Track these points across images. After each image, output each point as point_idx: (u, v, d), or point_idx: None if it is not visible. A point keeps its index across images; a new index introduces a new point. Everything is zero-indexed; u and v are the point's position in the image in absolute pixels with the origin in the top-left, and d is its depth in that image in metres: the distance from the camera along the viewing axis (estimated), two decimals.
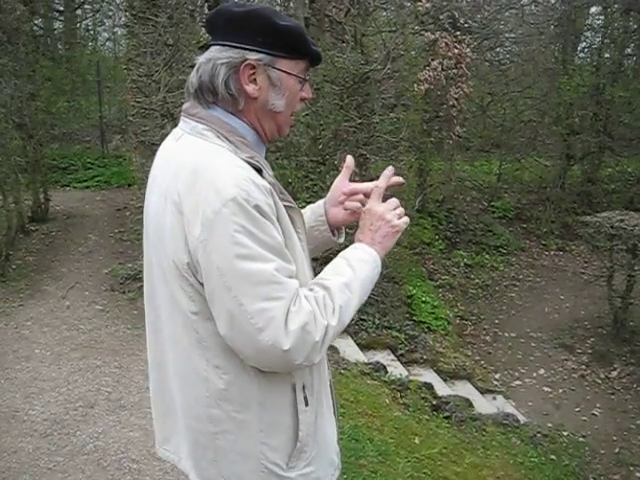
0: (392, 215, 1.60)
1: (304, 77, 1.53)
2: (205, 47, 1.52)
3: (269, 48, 1.45)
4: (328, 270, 1.51)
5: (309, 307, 1.37)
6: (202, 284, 1.39)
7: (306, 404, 1.50)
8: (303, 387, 1.50)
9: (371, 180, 1.76)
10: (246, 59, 1.44)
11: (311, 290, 1.43)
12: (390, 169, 1.69)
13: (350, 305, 1.46)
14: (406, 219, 1.62)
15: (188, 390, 1.51)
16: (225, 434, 1.48)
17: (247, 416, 1.46)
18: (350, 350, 5.86)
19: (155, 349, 1.63)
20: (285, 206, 1.46)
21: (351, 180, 1.79)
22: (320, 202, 1.83)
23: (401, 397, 5.13)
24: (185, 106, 1.54)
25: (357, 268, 1.51)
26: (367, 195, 1.70)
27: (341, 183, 1.78)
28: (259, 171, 1.42)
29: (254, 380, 1.44)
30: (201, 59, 1.50)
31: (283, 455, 1.50)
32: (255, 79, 1.46)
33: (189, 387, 1.50)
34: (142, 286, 1.69)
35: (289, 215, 1.48)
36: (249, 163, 1.41)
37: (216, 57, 1.46)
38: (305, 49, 1.50)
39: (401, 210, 1.63)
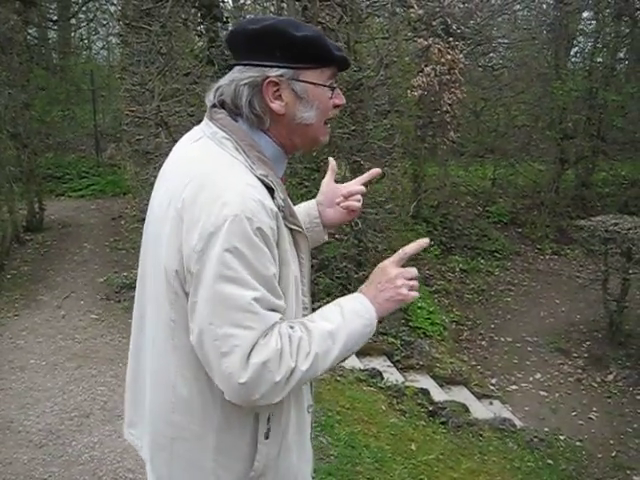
0: (402, 282, 1.52)
1: (332, 84, 1.48)
2: (230, 67, 1.49)
3: (290, 62, 1.41)
4: (318, 313, 1.46)
5: (278, 344, 1.31)
6: (187, 294, 1.36)
7: (266, 437, 1.44)
8: (268, 419, 1.44)
9: (365, 185, 1.78)
10: (267, 77, 1.40)
11: (291, 328, 1.36)
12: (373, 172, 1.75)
13: (329, 355, 1.38)
14: (416, 294, 1.54)
15: (157, 391, 1.50)
16: (182, 441, 1.46)
17: (204, 432, 1.44)
18: None
19: (136, 340, 1.63)
20: (292, 229, 1.44)
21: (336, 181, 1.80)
22: (311, 204, 1.81)
23: (397, 403, 5.12)
24: (211, 110, 1.50)
25: (348, 319, 1.43)
26: (363, 195, 1.74)
27: (332, 185, 1.79)
28: (271, 190, 1.38)
29: (217, 400, 1.40)
30: (222, 81, 1.47)
31: (234, 478, 1.46)
32: (280, 95, 1.42)
33: (158, 388, 1.49)
34: None
35: (294, 239, 1.45)
36: (262, 181, 1.37)
37: (238, 78, 1.43)
38: (328, 56, 1.45)
39: (415, 284, 1.55)
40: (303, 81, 1.43)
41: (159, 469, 1.54)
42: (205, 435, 1.44)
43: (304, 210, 1.78)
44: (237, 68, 1.45)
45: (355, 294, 1.52)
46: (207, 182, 1.34)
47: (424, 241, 1.62)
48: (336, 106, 1.51)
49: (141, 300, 1.59)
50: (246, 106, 1.42)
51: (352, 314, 1.45)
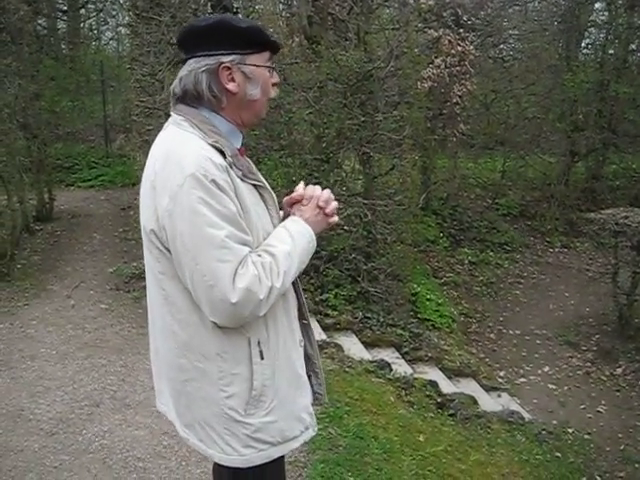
0: (330, 209, 1.85)
1: (271, 65, 1.78)
2: (182, 63, 1.77)
3: (237, 48, 1.70)
4: (272, 237, 1.73)
5: (255, 271, 1.60)
6: (167, 249, 1.65)
7: (261, 357, 1.72)
8: (258, 342, 1.72)
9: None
10: (221, 62, 1.69)
11: (259, 256, 1.65)
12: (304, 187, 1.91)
13: (291, 271, 1.70)
14: (336, 218, 1.88)
15: (164, 343, 1.79)
16: (191, 381, 1.74)
17: (207, 365, 1.71)
18: (355, 348, 5.86)
19: (149, 312, 1.88)
20: (254, 185, 1.74)
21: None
22: None
23: (406, 395, 5.13)
24: (171, 101, 1.81)
25: (297, 239, 1.74)
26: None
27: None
28: (222, 153, 1.65)
29: (212, 333, 1.68)
30: (181, 73, 1.74)
31: (241, 402, 1.72)
32: (233, 77, 1.71)
33: (165, 340, 1.78)
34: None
35: (260, 194, 1.76)
36: (214, 147, 1.65)
37: (195, 67, 1.70)
38: (267, 41, 1.74)
39: (334, 207, 1.87)
40: (249, 64, 1.72)
41: (184, 417, 1.80)
42: (208, 370, 1.71)
43: None
44: (192, 60, 1.72)
45: (294, 217, 1.82)
46: (169, 154, 1.65)
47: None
48: (274, 84, 1.81)
49: (146, 271, 1.85)
50: (206, 90, 1.71)
51: (298, 235, 1.76)
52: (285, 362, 1.79)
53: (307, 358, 1.95)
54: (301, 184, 1.92)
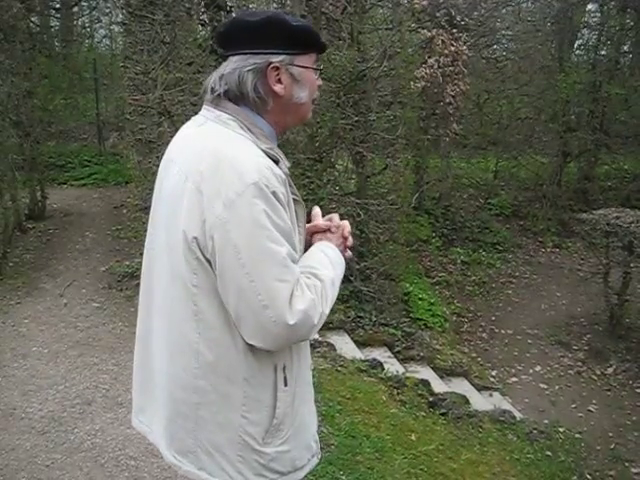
0: (350, 242, 1.79)
1: (318, 67, 1.68)
2: (223, 59, 1.64)
3: (288, 48, 1.58)
4: (314, 262, 1.64)
5: (311, 295, 1.51)
6: (208, 260, 1.51)
7: (285, 384, 1.62)
8: (284, 368, 1.62)
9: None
10: (270, 62, 1.57)
11: (309, 279, 1.56)
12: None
13: (334, 298, 1.62)
14: (349, 253, 1.80)
15: (177, 360, 1.61)
16: (209, 405, 1.60)
17: (232, 389, 1.58)
18: (347, 347, 5.88)
19: (144, 321, 1.75)
20: (293, 199, 1.59)
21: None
22: None
23: (398, 394, 5.14)
24: (208, 97, 1.64)
25: (337, 268, 1.68)
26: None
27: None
28: (276, 162, 1.55)
29: (242, 356, 1.56)
30: (223, 70, 1.61)
31: (260, 430, 1.61)
32: (280, 79, 1.59)
33: (178, 358, 1.61)
34: (139, 284, 1.76)
35: (295, 209, 1.62)
36: (267, 154, 1.54)
37: (241, 66, 1.58)
38: (316, 43, 1.65)
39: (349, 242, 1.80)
40: (298, 65, 1.61)
41: (182, 442, 1.65)
42: (232, 394, 1.58)
43: None
44: (236, 58, 1.59)
45: (329, 244, 1.74)
46: (222, 156, 1.50)
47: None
48: (318, 87, 1.70)
49: (149, 285, 1.71)
50: (252, 90, 1.58)
51: (337, 263, 1.69)
52: (303, 388, 1.71)
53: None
54: (336, 216, 1.84)
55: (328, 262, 1.66)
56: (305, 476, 1.78)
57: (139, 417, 1.82)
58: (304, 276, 1.55)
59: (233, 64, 1.59)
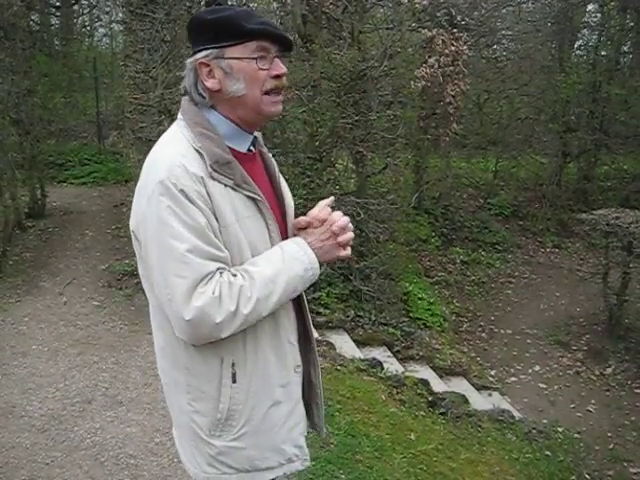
0: (344, 238, 1.66)
1: (257, 56, 1.58)
2: None
3: (212, 43, 1.58)
4: (261, 257, 1.59)
5: (216, 292, 1.48)
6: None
7: (233, 381, 1.61)
8: (232, 364, 1.60)
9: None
10: (196, 59, 1.60)
11: (234, 276, 1.52)
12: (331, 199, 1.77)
13: (270, 299, 1.54)
14: (349, 252, 1.70)
15: (154, 344, 1.75)
16: (167, 386, 1.72)
17: (177, 375, 1.66)
18: (346, 346, 5.88)
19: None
20: (249, 197, 1.59)
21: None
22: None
23: (397, 393, 5.15)
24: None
25: (289, 264, 1.58)
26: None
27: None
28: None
29: (182, 345, 1.60)
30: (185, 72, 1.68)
31: (207, 421, 1.64)
32: (213, 74, 1.60)
33: (155, 341, 1.74)
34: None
35: (258, 207, 1.61)
36: (199, 152, 1.55)
37: (187, 68, 1.64)
38: (242, 31, 1.56)
39: (349, 238, 1.68)
40: (228, 58, 1.58)
41: (173, 415, 1.77)
42: (178, 380, 1.65)
43: None
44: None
45: (297, 238, 1.66)
46: (150, 158, 1.60)
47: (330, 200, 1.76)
48: (275, 76, 1.61)
49: None
50: (193, 88, 1.64)
51: (292, 259, 1.59)
52: (265, 389, 1.65)
53: (310, 386, 1.82)
54: (321, 202, 1.74)
55: (278, 258, 1.58)
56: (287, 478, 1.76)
57: None
58: (228, 273, 1.52)
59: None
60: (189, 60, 1.62)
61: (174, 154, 1.54)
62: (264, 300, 1.53)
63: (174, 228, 1.47)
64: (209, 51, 1.58)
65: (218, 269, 1.51)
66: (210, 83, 1.59)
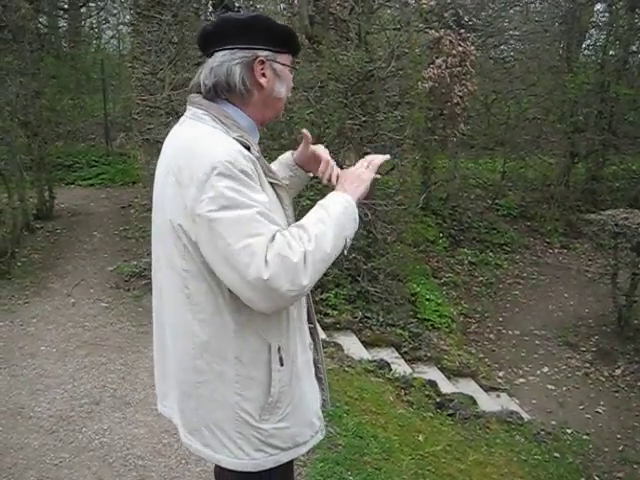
0: (361, 171, 1.85)
1: (295, 67, 1.84)
2: (208, 56, 1.75)
3: (271, 46, 1.72)
4: (304, 218, 1.67)
5: (285, 239, 1.54)
6: (194, 244, 1.60)
7: (281, 364, 1.70)
8: (279, 348, 1.69)
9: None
10: (257, 56, 1.70)
11: (292, 229, 1.62)
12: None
13: (327, 234, 1.61)
14: (371, 173, 1.86)
15: (178, 343, 1.74)
16: (206, 384, 1.70)
17: (225, 368, 1.68)
18: (354, 347, 5.87)
19: (157, 310, 1.86)
20: (272, 183, 1.70)
21: None
22: (285, 155, 2.11)
23: (405, 394, 5.14)
24: (189, 97, 1.79)
25: (330, 207, 1.68)
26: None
27: (307, 150, 2.03)
28: (248, 148, 1.63)
29: (231, 336, 1.65)
30: (212, 63, 1.72)
31: (256, 407, 1.70)
32: (264, 73, 1.72)
33: (179, 340, 1.73)
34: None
35: (277, 193, 1.71)
36: (238, 141, 1.62)
37: (229, 59, 1.70)
38: (296, 45, 1.80)
39: (370, 162, 1.89)
40: (279, 62, 1.75)
41: (190, 422, 1.77)
42: (225, 372, 1.68)
43: (280, 164, 2.09)
44: (224, 52, 1.71)
45: (333, 193, 1.79)
46: (195, 147, 1.61)
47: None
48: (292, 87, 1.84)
49: (157, 277, 1.83)
50: (239, 82, 1.70)
51: (331, 202, 1.71)
52: (301, 367, 1.78)
53: (314, 362, 1.93)
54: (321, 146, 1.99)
55: (318, 207, 1.69)
56: (307, 452, 1.89)
57: (163, 402, 1.92)
58: (284, 230, 1.59)
59: (221, 58, 1.70)
60: (239, 55, 1.69)
61: (224, 142, 1.61)
62: (321, 236, 1.59)
63: (238, 199, 1.52)
64: (268, 52, 1.72)
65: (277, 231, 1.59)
66: (263, 80, 1.72)
